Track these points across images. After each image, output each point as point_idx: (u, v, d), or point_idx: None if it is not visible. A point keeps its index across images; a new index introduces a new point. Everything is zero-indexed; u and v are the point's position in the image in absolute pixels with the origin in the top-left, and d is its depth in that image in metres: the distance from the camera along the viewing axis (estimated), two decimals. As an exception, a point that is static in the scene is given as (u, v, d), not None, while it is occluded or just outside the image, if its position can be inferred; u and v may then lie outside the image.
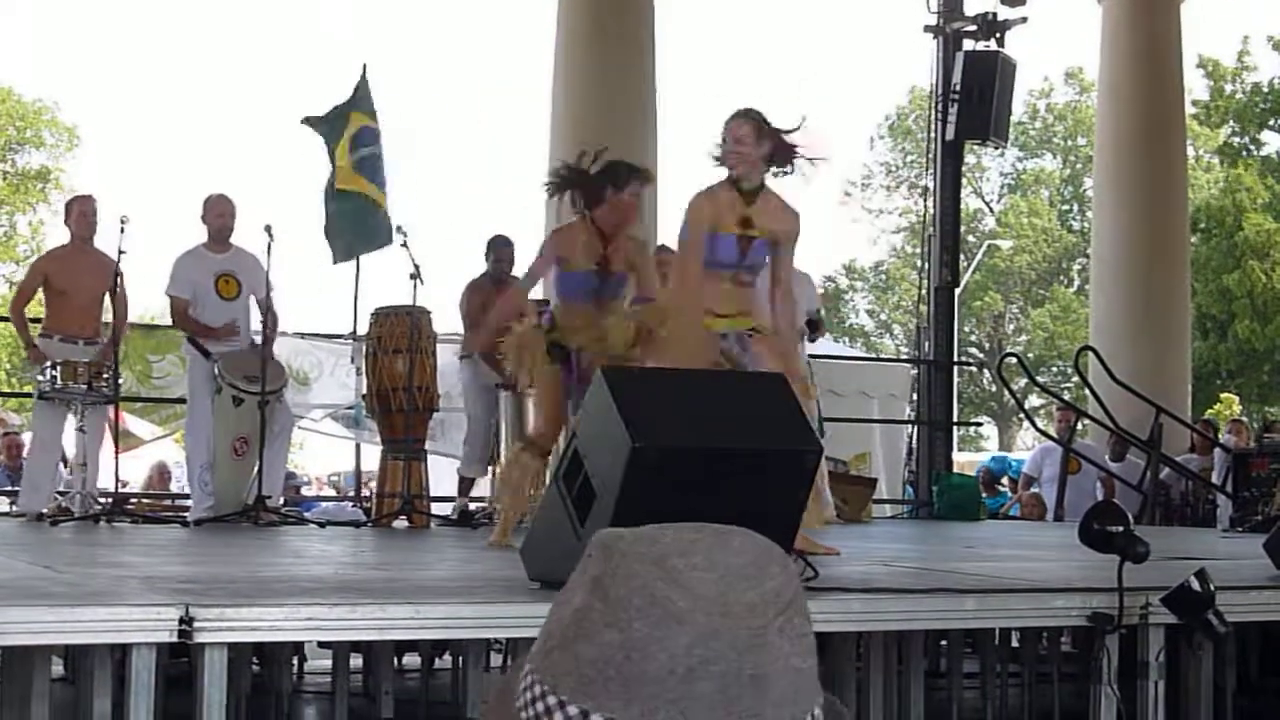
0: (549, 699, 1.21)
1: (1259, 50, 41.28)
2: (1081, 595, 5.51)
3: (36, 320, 11.52)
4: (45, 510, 10.87)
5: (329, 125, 13.26)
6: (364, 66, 13.58)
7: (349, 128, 13.22)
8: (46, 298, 11.44)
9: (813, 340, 12.76)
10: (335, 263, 13.37)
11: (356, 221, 13.15)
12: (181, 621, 4.16)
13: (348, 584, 5.79)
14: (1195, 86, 37.01)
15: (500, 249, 12.24)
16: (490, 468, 12.10)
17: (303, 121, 13.34)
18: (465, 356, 12.04)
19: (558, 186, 8.84)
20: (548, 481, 6.13)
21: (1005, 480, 21.31)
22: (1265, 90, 41.00)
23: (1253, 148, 41.64)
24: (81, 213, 11.53)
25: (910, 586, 5.62)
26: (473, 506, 12.43)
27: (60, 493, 11.38)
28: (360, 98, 13.43)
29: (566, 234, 8.82)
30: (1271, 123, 41.57)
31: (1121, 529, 5.33)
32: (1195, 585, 5.27)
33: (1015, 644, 8.62)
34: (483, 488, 12.81)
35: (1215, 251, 37.44)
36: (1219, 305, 37.09)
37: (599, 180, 8.65)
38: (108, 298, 11.29)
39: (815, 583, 5.38)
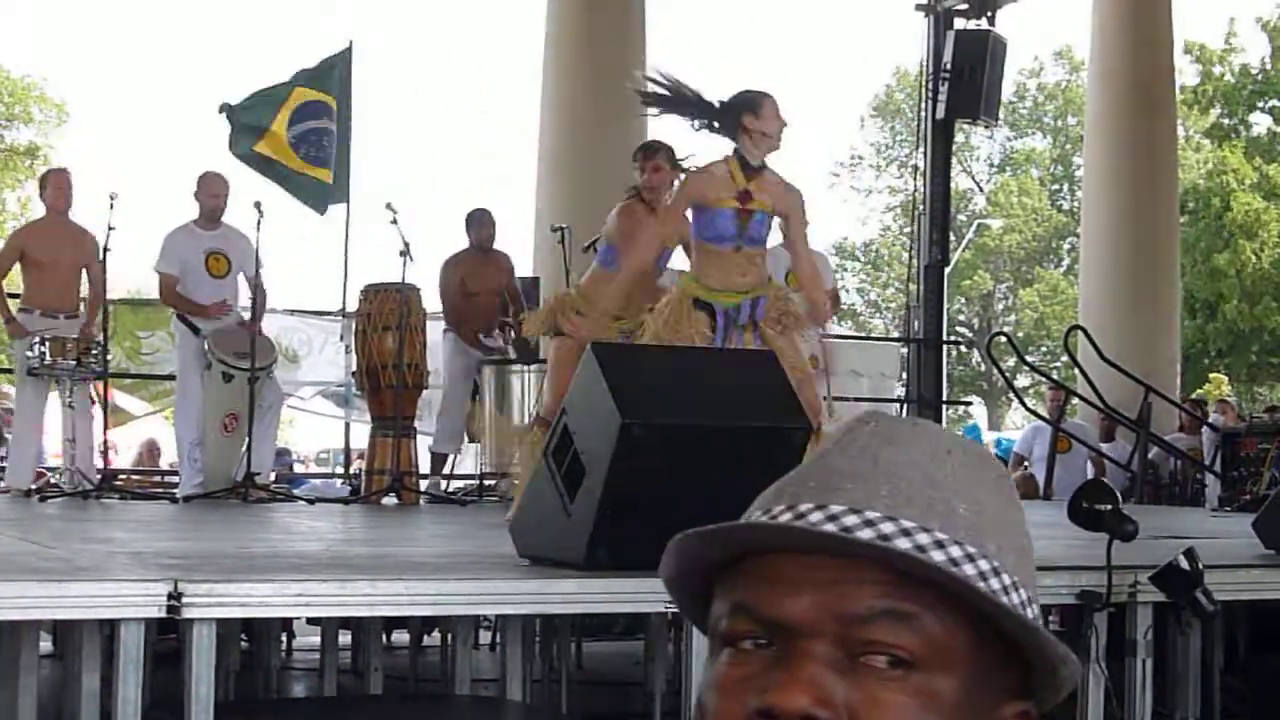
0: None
1: (1246, 32, 41.29)
2: (1070, 574, 5.52)
3: (14, 296, 11.49)
4: (32, 486, 10.86)
5: (255, 108, 13.36)
6: (349, 43, 13.57)
7: (288, 102, 13.28)
8: (24, 272, 11.40)
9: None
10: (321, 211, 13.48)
11: (293, 184, 13.26)
12: (170, 597, 4.15)
13: (337, 560, 5.79)
14: (1184, 71, 36.99)
15: (479, 220, 12.22)
16: (463, 444, 12.13)
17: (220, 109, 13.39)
18: (447, 331, 12.05)
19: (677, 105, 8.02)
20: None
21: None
22: (1254, 72, 41.01)
23: (1241, 129, 41.66)
24: (57, 185, 11.52)
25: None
26: (453, 485, 12.43)
27: (49, 468, 11.37)
28: (320, 73, 13.44)
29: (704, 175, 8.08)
30: (1260, 104, 41.59)
31: (1110, 508, 5.34)
32: (1183, 564, 5.28)
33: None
34: (466, 465, 12.83)
35: (1204, 232, 37.48)
36: (1207, 286, 37.12)
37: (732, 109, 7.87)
38: (85, 271, 11.32)
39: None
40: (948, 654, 1.19)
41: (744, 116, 7.70)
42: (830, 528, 1.20)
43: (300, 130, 13.26)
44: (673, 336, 7.54)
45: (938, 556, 1.19)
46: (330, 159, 13.35)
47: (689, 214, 7.91)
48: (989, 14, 15.91)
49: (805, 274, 8.29)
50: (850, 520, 1.20)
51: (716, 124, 7.81)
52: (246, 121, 13.26)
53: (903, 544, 1.19)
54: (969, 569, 1.20)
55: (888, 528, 1.20)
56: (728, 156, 7.81)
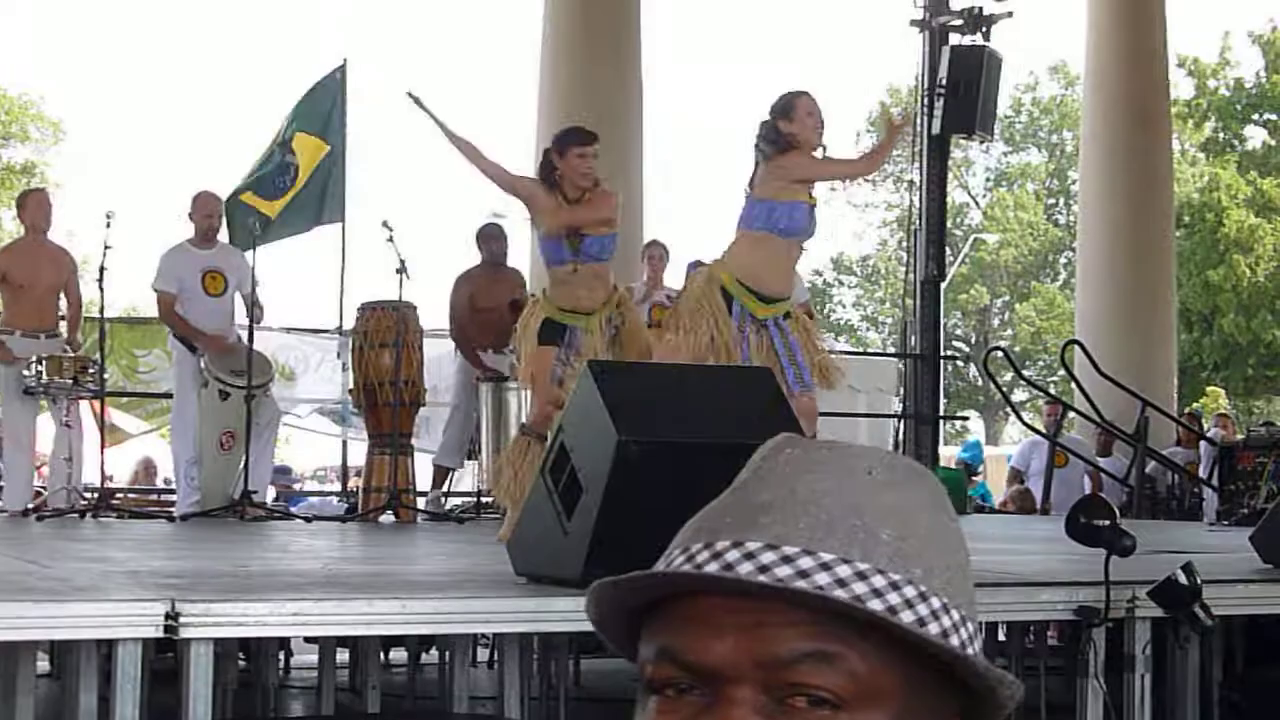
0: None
1: (1240, 45, 41.36)
2: (1068, 589, 5.52)
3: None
4: (29, 506, 10.85)
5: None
6: (344, 61, 13.59)
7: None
8: (3, 293, 11.37)
9: None
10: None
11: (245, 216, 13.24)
12: (168, 617, 4.15)
13: (334, 579, 5.78)
14: (1178, 84, 37.06)
15: (491, 235, 12.24)
16: (467, 461, 12.11)
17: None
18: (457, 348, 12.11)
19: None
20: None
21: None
22: (1248, 86, 41.07)
23: (1236, 143, 41.72)
24: (37, 205, 11.54)
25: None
26: (452, 501, 12.42)
27: (43, 488, 11.36)
28: (312, 107, 13.47)
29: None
30: (1254, 117, 41.65)
31: (1108, 523, 5.33)
32: (1182, 579, 5.28)
33: (1002, 637, 8.63)
34: (465, 482, 12.81)
35: (1199, 246, 37.51)
36: (1203, 299, 37.15)
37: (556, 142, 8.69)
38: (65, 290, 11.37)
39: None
40: (876, 690, 1.17)
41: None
42: (747, 566, 1.17)
43: (276, 164, 13.32)
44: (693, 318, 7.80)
45: (859, 589, 1.16)
46: (283, 191, 13.37)
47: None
48: (984, 30, 15.91)
49: None
50: (768, 558, 1.17)
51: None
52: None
53: (822, 579, 1.16)
54: (893, 598, 1.17)
55: (806, 563, 1.16)
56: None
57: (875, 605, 1.16)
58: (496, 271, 12.15)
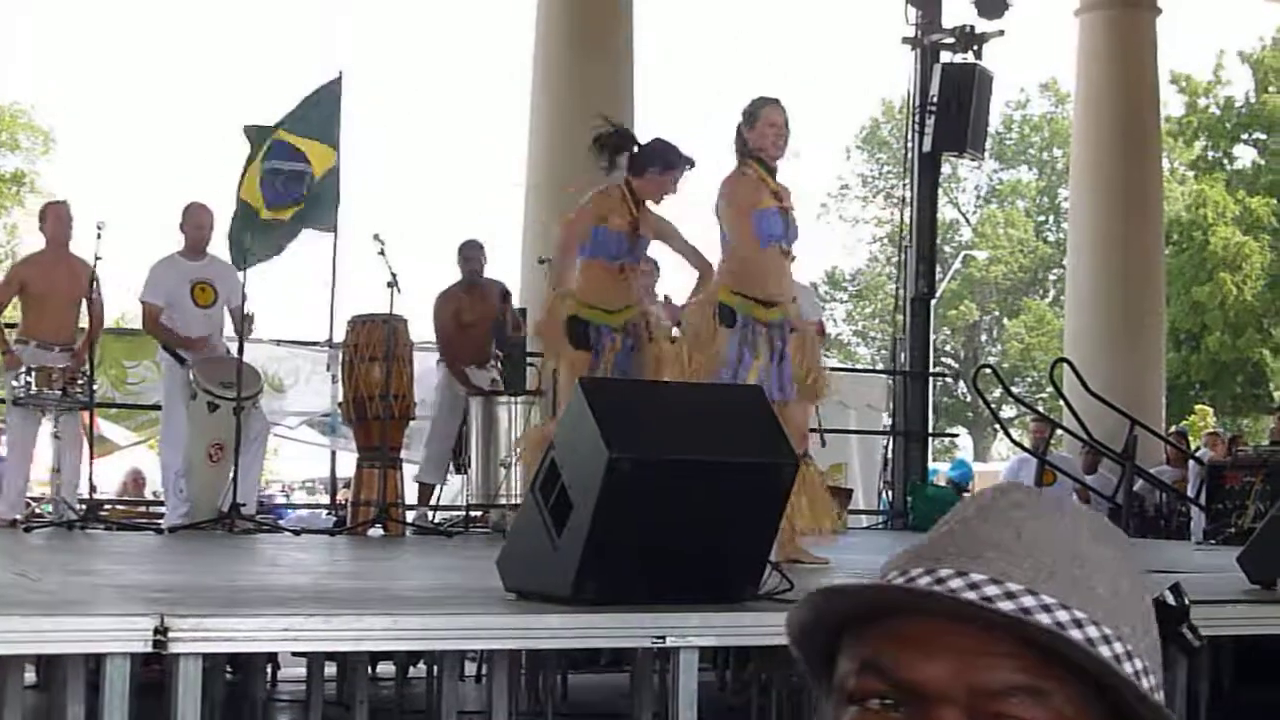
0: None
1: (1232, 64, 41.47)
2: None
3: (11, 325, 11.49)
4: (18, 516, 10.84)
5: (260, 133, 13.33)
6: (339, 74, 13.57)
7: (270, 136, 13.27)
8: (23, 304, 11.41)
9: None
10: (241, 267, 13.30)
11: (242, 229, 13.08)
12: (156, 631, 4.14)
13: (324, 594, 5.78)
14: (1169, 102, 37.17)
15: (470, 252, 12.26)
16: (456, 475, 12.11)
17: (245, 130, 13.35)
18: (440, 361, 12.09)
19: (612, 145, 8.89)
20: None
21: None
22: (1238, 105, 41.19)
23: (1225, 162, 41.84)
24: (57, 218, 11.53)
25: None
26: (439, 516, 12.40)
27: (34, 499, 11.35)
28: (297, 117, 13.42)
29: (606, 196, 8.87)
30: (1244, 137, 41.77)
31: (1097, 543, 5.34)
32: (1169, 599, 5.27)
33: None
34: (447, 496, 12.80)
35: (1187, 264, 37.60)
36: (1190, 317, 37.23)
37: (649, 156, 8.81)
38: (84, 303, 11.29)
39: (792, 594, 5.38)
40: None
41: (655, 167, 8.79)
42: (971, 595, 1.20)
43: (271, 167, 13.24)
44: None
45: (1076, 635, 1.19)
46: (295, 199, 13.30)
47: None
48: (975, 48, 15.94)
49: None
50: (991, 590, 1.20)
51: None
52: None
53: (1043, 619, 1.18)
54: (1105, 651, 1.19)
55: (1028, 601, 1.19)
56: (749, 162, 8.16)
57: (1094, 652, 1.18)
58: (476, 286, 12.17)
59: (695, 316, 8.34)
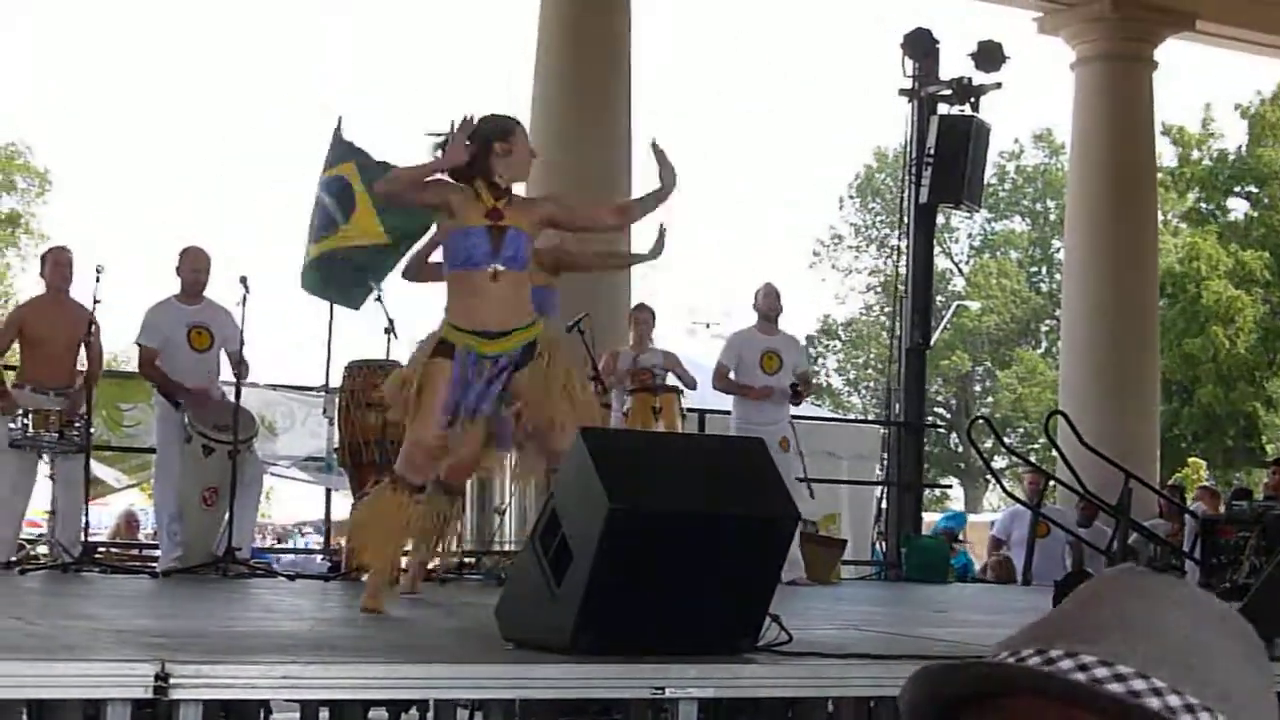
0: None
1: (1224, 117, 41.67)
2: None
3: (11, 368, 11.50)
4: (12, 558, 10.82)
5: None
6: (339, 119, 13.55)
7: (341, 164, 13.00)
8: (21, 348, 11.43)
9: (797, 403, 12.87)
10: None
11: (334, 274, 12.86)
12: (157, 678, 4.15)
13: (322, 641, 5.79)
14: (1163, 154, 37.32)
15: None
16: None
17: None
18: None
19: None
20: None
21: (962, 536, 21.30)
22: (1231, 158, 41.36)
23: (1218, 214, 41.98)
24: (56, 263, 11.55)
25: (884, 652, 5.63)
26: (433, 562, 12.36)
27: (29, 540, 11.33)
28: (333, 155, 13.27)
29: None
30: (1236, 189, 41.92)
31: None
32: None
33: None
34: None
35: (1179, 316, 37.69)
36: (1182, 370, 37.30)
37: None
38: (83, 347, 11.29)
39: (789, 647, 5.39)
40: None
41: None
42: (1080, 677, 1.19)
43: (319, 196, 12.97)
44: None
45: (1153, 703, 1.17)
46: (324, 230, 13.03)
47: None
48: (972, 100, 16.01)
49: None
50: (1101, 672, 1.19)
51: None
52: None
53: (1153, 703, 1.17)
54: None
55: (1138, 684, 1.18)
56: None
57: None
58: None
59: None
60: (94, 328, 11.07)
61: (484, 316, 7.18)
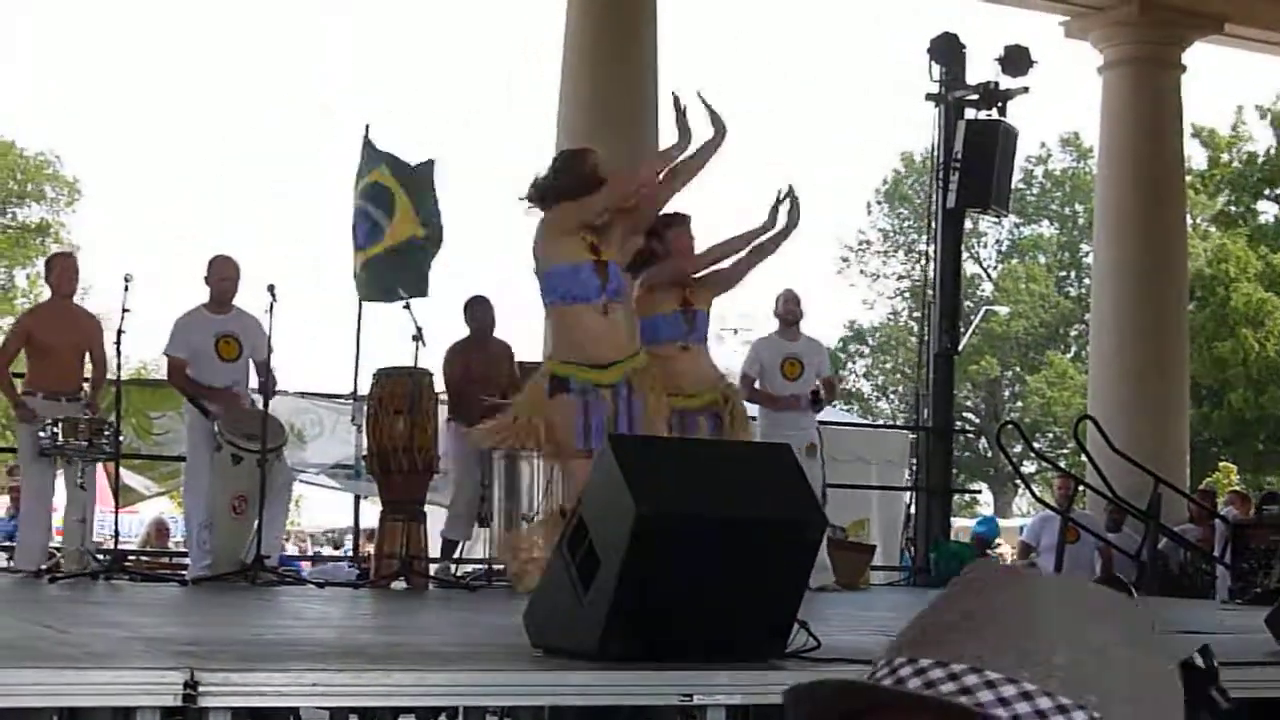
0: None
1: (1254, 120, 41.50)
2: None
3: (19, 375, 11.55)
4: (42, 566, 10.86)
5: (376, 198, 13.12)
6: (366, 127, 13.58)
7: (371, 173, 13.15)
8: (28, 355, 11.45)
9: (818, 408, 12.85)
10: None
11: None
12: (186, 686, 4.16)
13: (351, 648, 5.79)
14: (1192, 156, 37.18)
15: (479, 309, 12.24)
16: (479, 529, 12.09)
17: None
18: (450, 419, 12.04)
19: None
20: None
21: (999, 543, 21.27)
22: (1260, 160, 41.19)
23: (1248, 217, 41.83)
24: (63, 269, 11.62)
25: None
26: (462, 569, 12.39)
27: (56, 549, 11.38)
28: (397, 165, 13.33)
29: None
30: (1266, 192, 41.75)
31: (1125, 604, 5.32)
32: (1199, 661, 5.26)
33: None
34: (474, 550, 12.79)
35: (1209, 320, 37.53)
36: (1212, 374, 37.14)
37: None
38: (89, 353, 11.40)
39: (818, 653, 5.38)
40: None
41: None
42: (916, 683, 1.20)
43: (361, 207, 13.15)
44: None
45: (1022, 709, 1.17)
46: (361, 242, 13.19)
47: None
48: (999, 104, 15.95)
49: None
50: (936, 674, 1.20)
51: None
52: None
53: (985, 696, 1.18)
54: None
55: (971, 679, 1.19)
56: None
57: None
58: (485, 342, 12.15)
59: None
60: (100, 334, 11.16)
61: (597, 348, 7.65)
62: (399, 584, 11.09)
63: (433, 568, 11.79)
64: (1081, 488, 16.62)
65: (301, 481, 14.11)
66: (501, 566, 11.65)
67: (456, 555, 12.37)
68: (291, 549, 23.67)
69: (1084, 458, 17.08)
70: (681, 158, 8.88)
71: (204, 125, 75.48)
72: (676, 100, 8.76)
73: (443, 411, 12.06)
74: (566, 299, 8.44)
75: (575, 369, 8.29)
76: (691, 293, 9.84)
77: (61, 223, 40.57)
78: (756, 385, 12.62)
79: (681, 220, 9.80)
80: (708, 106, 8.46)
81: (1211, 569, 15.33)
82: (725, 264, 10.30)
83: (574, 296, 8.38)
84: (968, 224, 17.29)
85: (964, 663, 1.20)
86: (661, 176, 8.87)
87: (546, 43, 16.06)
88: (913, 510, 16.36)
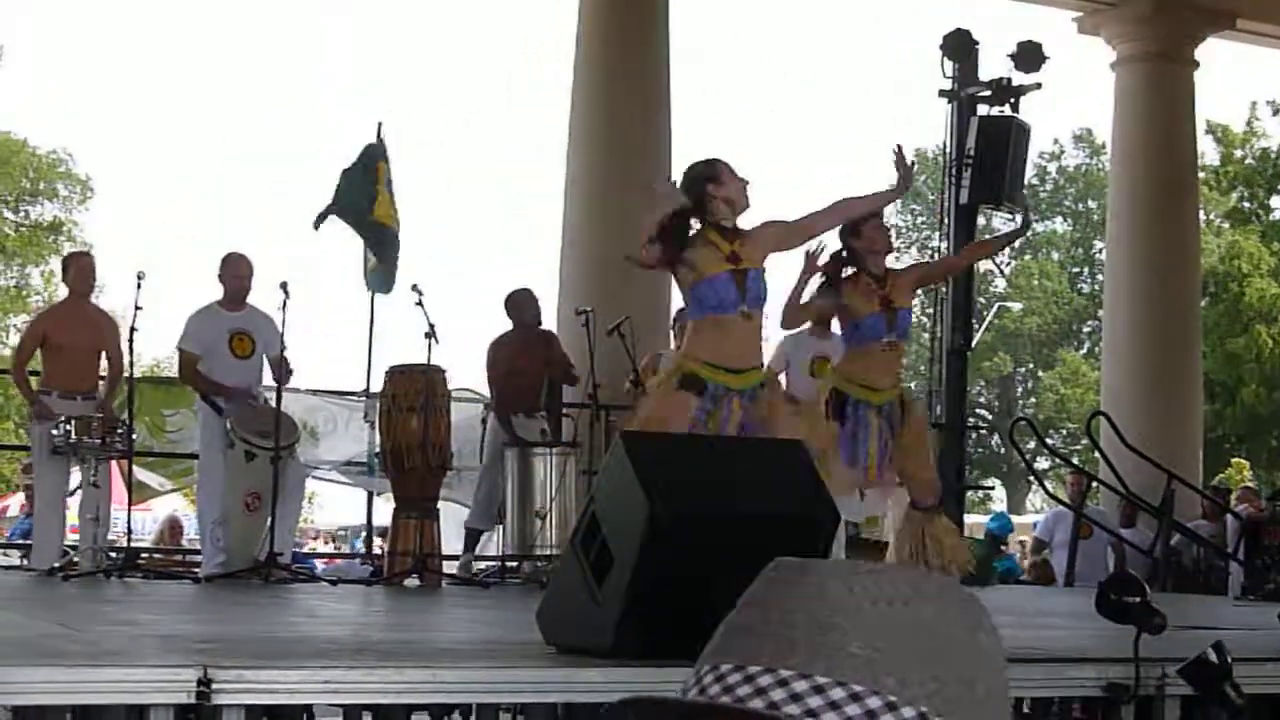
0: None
1: (1266, 116, 41.40)
2: (1097, 665, 5.50)
3: (35, 373, 11.57)
4: (56, 564, 10.87)
5: (350, 189, 13.14)
6: (379, 124, 13.59)
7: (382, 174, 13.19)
8: (44, 354, 11.47)
9: None
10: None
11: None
12: (199, 683, 4.16)
13: (364, 646, 5.79)
14: (1205, 152, 37.11)
15: (524, 300, 12.28)
16: (498, 524, 12.12)
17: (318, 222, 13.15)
18: (489, 410, 12.13)
19: None
20: None
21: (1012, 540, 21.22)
22: (1274, 156, 41.09)
23: (1261, 213, 41.73)
24: (79, 269, 11.64)
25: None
26: (480, 565, 12.41)
27: (71, 546, 11.39)
28: (374, 153, 13.36)
29: None
30: (1279, 188, 41.65)
31: (1139, 600, 5.32)
32: (1212, 657, 5.26)
33: (1026, 710, 8.58)
34: (489, 547, 12.81)
35: (1223, 315, 37.46)
36: (1225, 370, 37.06)
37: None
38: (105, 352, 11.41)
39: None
40: None
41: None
42: (715, 690, 1.21)
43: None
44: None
45: (814, 703, 1.18)
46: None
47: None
48: (1012, 101, 15.92)
49: None
50: (733, 679, 1.21)
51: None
52: (348, 204, 13.11)
53: (777, 694, 1.19)
54: (852, 710, 1.18)
55: (765, 680, 1.20)
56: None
57: (832, 716, 1.18)
58: (530, 335, 12.19)
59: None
60: (115, 333, 11.17)
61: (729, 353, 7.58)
62: (413, 581, 11.10)
63: (452, 564, 11.81)
64: (1095, 484, 16.62)
65: (314, 478, 14.13)
66: (515, 564, 11.67)
67: (477, 549, 12.40)
68: (309, 546, 23.72)
69: (1097, 454, 17.05)
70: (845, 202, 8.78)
71: (214, 123, 75.48)
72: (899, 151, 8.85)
73: (457, 408, 12.08)
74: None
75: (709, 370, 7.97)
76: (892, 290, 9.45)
77: (74, 221, 40.57)
78: (781, 380, 12.57)
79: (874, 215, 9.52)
80: (899, 160, 8.64)
81: (1225, 565, 15.31)
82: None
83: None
84: (981, 220, 17.18)
85: (761, 664, 1.21)
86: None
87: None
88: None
